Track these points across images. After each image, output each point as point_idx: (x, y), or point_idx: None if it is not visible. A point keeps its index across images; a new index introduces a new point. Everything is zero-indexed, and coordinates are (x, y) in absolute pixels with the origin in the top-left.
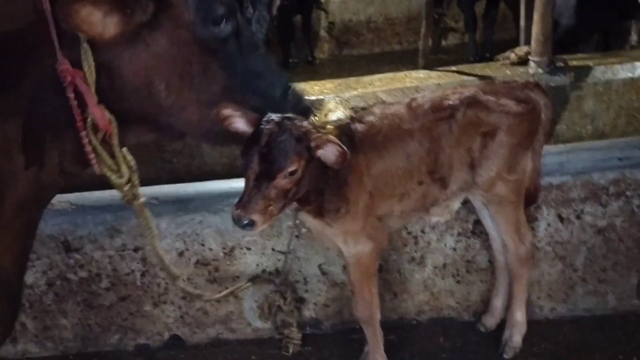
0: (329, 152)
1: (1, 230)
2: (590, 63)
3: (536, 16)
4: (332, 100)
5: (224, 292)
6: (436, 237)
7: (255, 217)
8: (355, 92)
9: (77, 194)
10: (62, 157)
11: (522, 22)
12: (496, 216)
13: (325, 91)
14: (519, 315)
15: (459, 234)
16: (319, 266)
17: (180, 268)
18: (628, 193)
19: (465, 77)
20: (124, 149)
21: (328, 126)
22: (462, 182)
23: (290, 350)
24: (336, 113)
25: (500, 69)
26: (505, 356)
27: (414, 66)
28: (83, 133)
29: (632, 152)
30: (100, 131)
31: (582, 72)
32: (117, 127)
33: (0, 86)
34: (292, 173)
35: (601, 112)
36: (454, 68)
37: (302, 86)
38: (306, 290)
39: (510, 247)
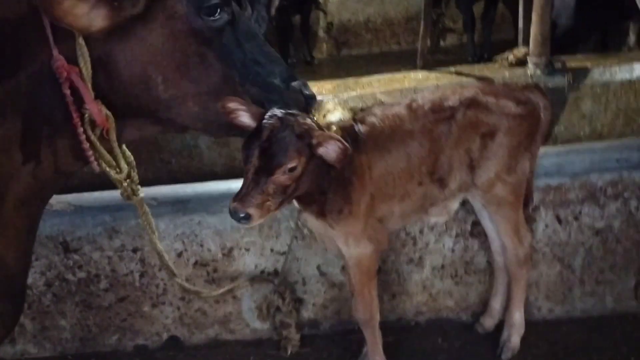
0: (331, 149)
1: (2, 227)
2: (588, 64)
3: (534, 17)
4: (330, 100)
5: (222, 290)
6: (434, 238)
7: (252, 211)
8: (354, 93)
9: (76, 194)
10: (60, 153)
11: (521, 23)
12: (495, 217)
13: (324, 92)
14: (518, 316)
15: (457, 235)
16: (318, 267)
17: (179, 269)
18: (626, 194)
19: (463, 78)
20: (123, 146)
21: (332, 126)
22: (462, 182)
23: (289, 351)
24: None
25: (499, 70)
26: (503, 357)
27: (413, 66)
28: (80, 130)
29: (630, 154)
30: (98, 127)
31: (580, 73)
32: (114, 123)
33: None
34: (291, 169)
35: (599, 113)
36: (452, 69)
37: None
38: (305, 291)
39: (509, 248)
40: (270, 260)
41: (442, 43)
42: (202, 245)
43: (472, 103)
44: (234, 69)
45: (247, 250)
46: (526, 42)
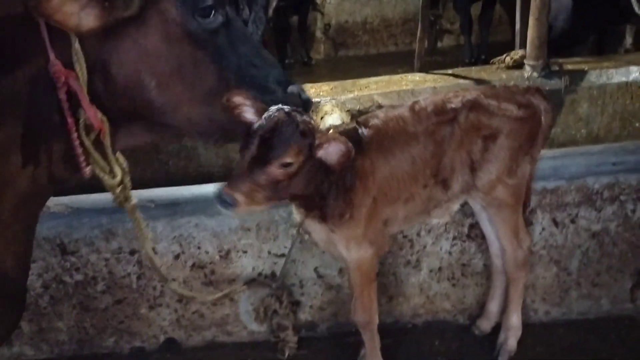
0: (332, 151)
1: (0, 229)
2: (585, 67)
3: (531, 20)
4: (328, 102)
5: (219, 295)
6: (432, 241)
7: (239, 196)
8: (351, 95)
9: (73, 196)
10: (56, 157)
11: (518, 26)
12: (495, 220)
13: (322, 93)
14: (515, 319)
15: (455, 238)
16: (315, 269)
17: (176, 271)
18: (622, 197)
19: (461, 81)
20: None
21: (336, 130)
22: (464, 183)
23: (286, 354)
24: (332, 116)
25: (496, 72)
26: (500, 359)
27: (410, 67)
28: (74, 135)
29: (626, 157)
30: (93, 131)
31: (577, 76)
32: (109, 127)
33: None
34: (287, 165)
35: (596, 116)
36: (450, 71)
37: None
38: (302, 294)
39: (508, 251)
40: (268, 262)
41: (439, 44)
42: (199, 248)
43: (474, 105)
44: (229, 71)
45: (245, 252)
46: (523, 45)
